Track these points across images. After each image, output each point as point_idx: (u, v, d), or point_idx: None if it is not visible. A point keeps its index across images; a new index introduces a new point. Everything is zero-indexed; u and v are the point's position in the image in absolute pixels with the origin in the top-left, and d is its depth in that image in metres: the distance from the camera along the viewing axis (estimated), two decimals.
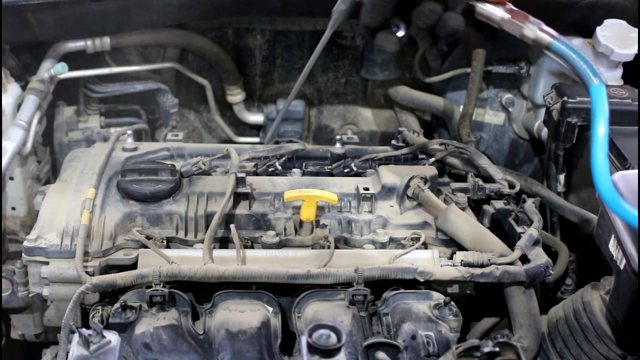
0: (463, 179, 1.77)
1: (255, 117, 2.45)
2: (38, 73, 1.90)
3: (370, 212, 1.59)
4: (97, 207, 1.52)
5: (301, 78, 1.51)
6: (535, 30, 1.21)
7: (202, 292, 1.44)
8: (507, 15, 1.23)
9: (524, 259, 1.46)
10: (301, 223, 1.52)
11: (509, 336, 1.48)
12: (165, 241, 1.52)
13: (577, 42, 2.02)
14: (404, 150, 1.80)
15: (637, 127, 1.71)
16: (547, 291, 1.71)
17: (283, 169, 1.75)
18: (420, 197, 1.58)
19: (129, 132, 1.76)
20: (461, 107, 2.20)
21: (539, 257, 1.45)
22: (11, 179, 1.84)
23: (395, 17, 1.27)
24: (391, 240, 1.54)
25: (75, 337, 1.15)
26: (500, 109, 2.37)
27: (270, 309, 1.41)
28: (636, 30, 1.86)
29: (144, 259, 1.44)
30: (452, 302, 1.42)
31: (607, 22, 1.88)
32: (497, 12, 1.23)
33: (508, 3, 1.24)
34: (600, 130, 1.08)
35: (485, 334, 1.57)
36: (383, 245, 1.53)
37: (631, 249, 1.21)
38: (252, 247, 1.53)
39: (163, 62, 2.25)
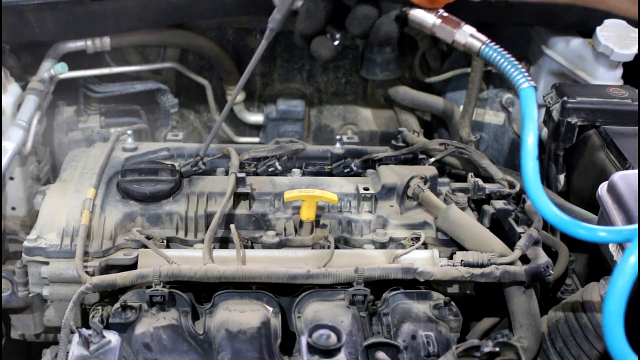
0: (463, 179, 1.77)
1: (255, 117, 2.45)
2: (38, 73, 1.90)
3: (370, 212, 1.59)
4: (97, 207, 1.52)
5: (243, 79, 1.49)
6: (466, 36, 1.21)
7: (202, 292, 1.44)
8: (438, 21, 1.23)
9: (524, 259, 1.46)
10: (301, 223, 1.52)
11: (509, 336, 1.47)
12: (165, 241, 1.52)
13: (577, 42, 2.02)
14: (404, 150, 1.80)
15: (637, 127, 1.71)
16: (547, 291, 1.71)
17: (283, 169, 1.75)
18: (420, 197, 1.58)
19: (129, 132, 1.76)
20: (461, 107, 2.20)
21: (539, 257, 1.45)
22: (11, 179, 1.84)
23: (329, 25, 1.27)
24: (391, 240, 1.54)
25: (75, 337, 1.15)
26: (500, 109, 2.37)
27: (270, 309, 1.41)
28: (636, 30, 1.86)
29: (144, 259, 1.44)
30: (452, 302, 1.42)
31: (607, 22, 1.88)
32: (429, 19, 1.23)
33: (441, 9, 1.24)
34: (530, 137, 1.06)
35: (485, 334, 1.57)
36: (383, 245, 1.53)
37: None
38: (252, 247, 1.53)
39: (163, 62, 2.25)
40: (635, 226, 0.93)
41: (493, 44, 1.18)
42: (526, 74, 1.11)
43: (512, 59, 1.14)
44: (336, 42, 1.28)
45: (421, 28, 1.24)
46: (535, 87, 1.11)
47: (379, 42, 1.24)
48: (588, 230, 1.01)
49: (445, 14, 1.23)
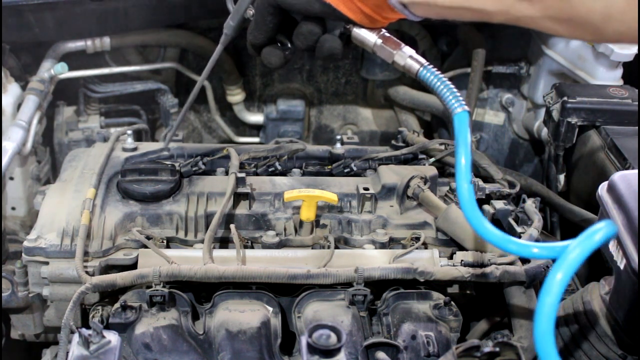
0: None
1: (255, 117, 2.45)
2: (38, 73, 1.90)
3: (371, 212, 1.59)
4: (97, 207, 1.52)
5: (200, 80, 1.56)
6: (405, 57, 1.22)
7: (202, 292, 1.44)
8: (379, 41, 1.24)
9: (524, 259, 1.46)
10: (301, 223, 1.52)
11: (509, 336, 1.47)
12: (165, 241, 1.52)
13: (577, 42, 2.02)
14: (404, 150, 1.80)
15: (637, 127, 1.71)
16: None
17: (283, 169, 1.75)
18: (420, 197, 1.58)
19: (129, 132, 1.76)
20: None
21: None
22: (11, 179, 1.84)
23: (280, 35, 1.29)
24: (391, 240, 1.54)
25: (75, 337, 1.15)
26: (500, 109, 2.37)
27: (270, 309, 1.41)
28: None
29: (144, 259, 1.44)
30: (452, 302, 1.42)
31: None
32: (371, 38, 1.24)
33: (383, 29, 1.25)
34: (463, 159, 1.09)
35: (485, 334, 1.57)
36: (383, 245, 1.53)
37: (631, 249, 1.21)
38: (252, 247, 1.53)
39: (163, 62, 2.25)
40: (565, 243, 0.94)
41: (431, 66, 1.19)
42: (460, 98, 1.12)
43: (448, 82, 1.15)
44: (287, 51, 1.31)
45: (363, 46, 1.26)
46: (469, 112, 1.12)
47: (323, 57, 1.26)
48: (520, 246, 1.04)
49: (387, 35, 1.25)
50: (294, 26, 1.25)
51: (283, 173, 1.75)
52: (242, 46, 2.34)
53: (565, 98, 1.77)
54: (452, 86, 1.14)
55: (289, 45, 1.30)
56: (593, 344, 1.36)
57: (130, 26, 1.96)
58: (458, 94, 1.13)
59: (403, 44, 1.24)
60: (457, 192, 1.09)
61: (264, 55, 1.31)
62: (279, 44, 1.31)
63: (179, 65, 2.27)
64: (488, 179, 1.73)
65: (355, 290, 1.39)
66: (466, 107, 1.12)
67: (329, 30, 1.25)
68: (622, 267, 1.25)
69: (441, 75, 1.16)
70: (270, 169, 1.74)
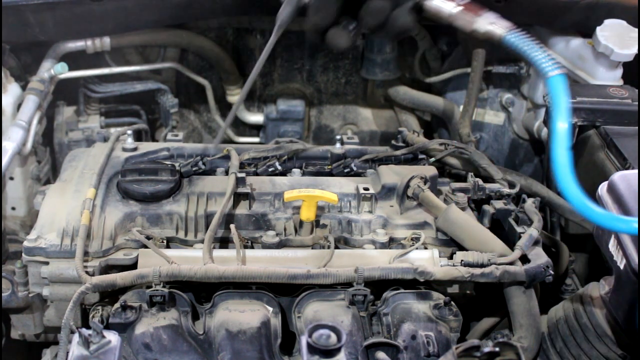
0: (463, 179, 1.77)
1: (255, 117, 2.45)
2: (38, 73, 1.90)
3: (371, 212, 1.59)
4: (97, 207, 1.52)
5: (251, 78, 1.48)
6: (486, 24, 1.16)
7: (202, 292, 1.44)
8: (456, 10, 1.17)
9: (524, 259, 1.46)
10: (301, 223, 1.52)
11: (509, 336, 1.47)
12: (165, 241, 1.52)
13: (577, 42, 2.02)
14: (404, 150, 1.80)
15: (637, 127, 1.71)
16: (547, 291, 1.71)
17: (283, 169, 1.75)
18: (420, 197, 1.58)
19: (129, 132, 1.76)
20: (461, 107, 2.20)
21: (539, 257, 1.45)
22: (11, 179, 1.84)
23: (343, 16, 1.23)
24: (391, 240, 1.54)
25: (75, 337, 1.15)
26: (500, 109, 2.37)
27: (270, 309, 1.41)
28: (636, 30, 1.86)
29: (144, 259, 1.44)
30: (452, 302, 1.42)
31: (607, 22, 1.88)
32: (446, 7, 1.18)
33: None
34: (561, 124, 1.02)
35: (485, 334, 1.57)
36: (383, 245, 1.53)
37: (631, 249, 1.21)
38: (252, 247, 1.53)
39: (163, 62, 2.25)
40: None
41: (516, 31, 1.13)
42: (554, 60, 1.06)
43: (538, 46, 1.09)
44: (352, 32, 1.25)
45: (437, 18, 1.18)
46: (564, 75, 1.06)
47: (395, 35, 1.20)
48: (625, 222, 0.99)
49: (463, 2, 1.18)
50: (357, 5, 1.19)
51: (283, 173, 1.75)
52: (242, 46, 2.34)
53: None
54: (542, 49, 1.08)
55: (352, 26, 1.23)
56: (593, 344, 1.36)
57: (130, 26, 1.96)
58: (550, 57, 1.07)
59: (482, 10, 1.17)
60: (553, 160, 1.01)
61: (330, 37, 1.23)
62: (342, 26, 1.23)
63: (179, 65, 2.27)
64: (488, 179, 1.73)
65: (355, 290, 1.39)
66: (561, 70, 1.06)
67: (399, 4, 1.18)
68: (622, 267, 1.25)
69: (529, 39, 1.11)
70: (270, 169, 1.74)
